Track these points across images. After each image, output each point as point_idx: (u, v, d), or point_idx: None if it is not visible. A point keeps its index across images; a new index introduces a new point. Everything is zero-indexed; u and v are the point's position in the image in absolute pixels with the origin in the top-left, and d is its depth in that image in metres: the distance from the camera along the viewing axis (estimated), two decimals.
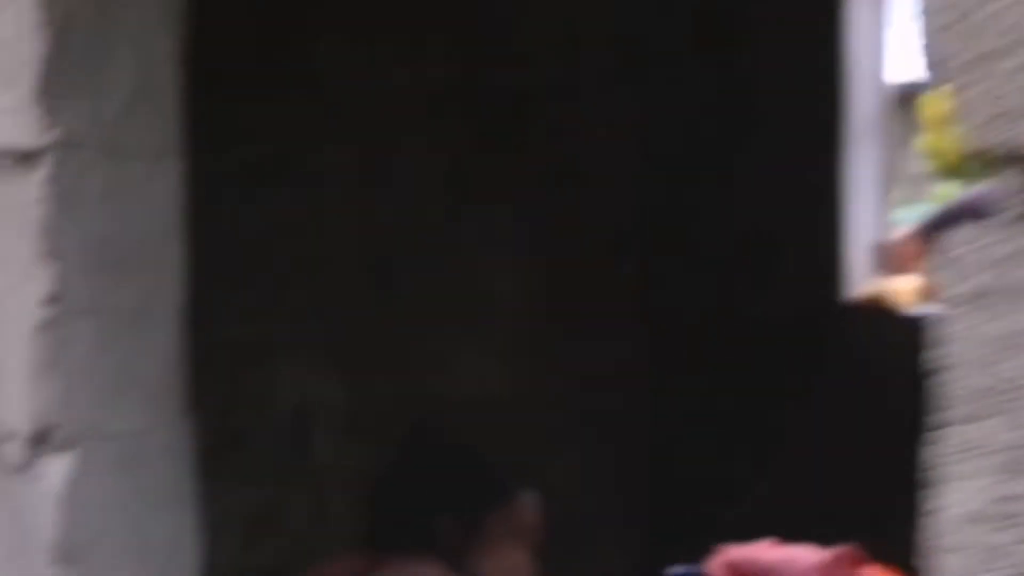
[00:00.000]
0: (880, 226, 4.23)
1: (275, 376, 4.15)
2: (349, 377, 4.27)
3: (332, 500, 4.26)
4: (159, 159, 1.50)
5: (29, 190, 1.50)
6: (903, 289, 4.14)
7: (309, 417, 4.22)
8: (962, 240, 1.18)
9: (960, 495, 1.11)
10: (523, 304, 4.59)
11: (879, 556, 3.23)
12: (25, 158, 1.51)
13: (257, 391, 4.13)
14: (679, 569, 3.24)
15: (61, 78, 1.48)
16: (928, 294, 4.31)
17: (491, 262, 4.54)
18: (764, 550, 3.23)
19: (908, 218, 5.68)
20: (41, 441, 1.52)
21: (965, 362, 1.16)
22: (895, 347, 4.11)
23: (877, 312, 4.13)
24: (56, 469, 1.51)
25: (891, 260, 4.29)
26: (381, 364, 4.33)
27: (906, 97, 5.71)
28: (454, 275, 4.46)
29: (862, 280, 4.21)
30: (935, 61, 1.17)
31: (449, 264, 4.45)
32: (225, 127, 3.91)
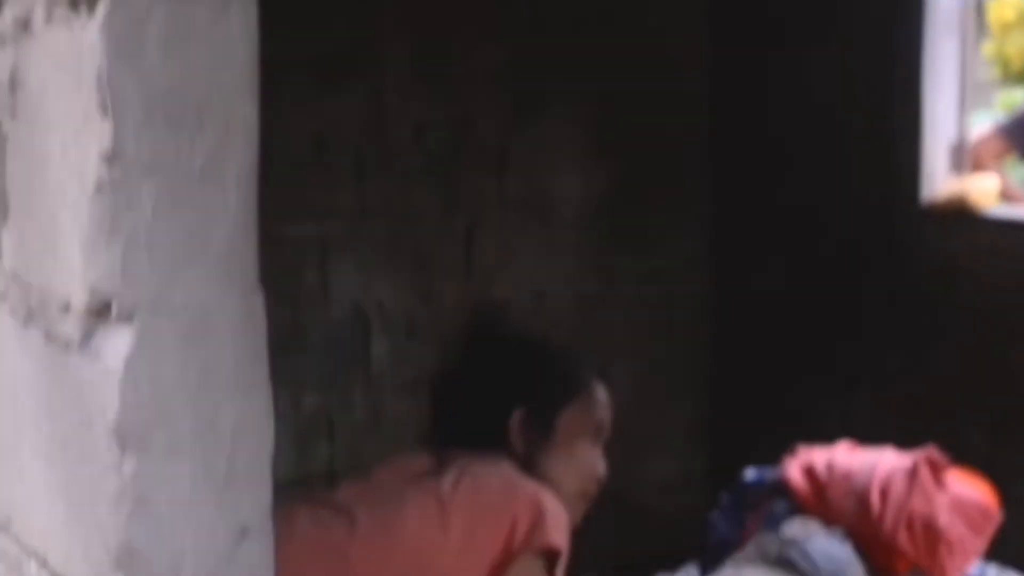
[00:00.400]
0: (959, 125, 4.04)
1: (333, 278, 4.02)
2: (408, 280, 4.14)
3: (389, 404, 4.14)
4: (229, 1, 1.35)
5: (85, 37, 1.35)
6: (982, 189, 3.95)
7: (367, 320, 4.09)
8: None
9: None
10: (585, 205, 4.43)
11: (958, 459, 3.08)
12: (80, 1, 1.35)
13: (314, 293, 3.99)
14: (754, 472, 3.09)
15: None
16: (1007, 195, 4.13)
17: (553, 163, 4.39)
18: (842, 453, 3.08)
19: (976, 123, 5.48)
20: (99, 314, 1.38)
21: None
22: (976, 248, 3.95)
23: (957, 213, 3.96)
24: (115, 345, 1.37)
25: (970, 160, 4.11)
26: (441, 267, 4.19)
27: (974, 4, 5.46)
28: (515, 177, 4.31)
29: (941, 180, 4.03)
30: None
31: (510, 166, 4.30)
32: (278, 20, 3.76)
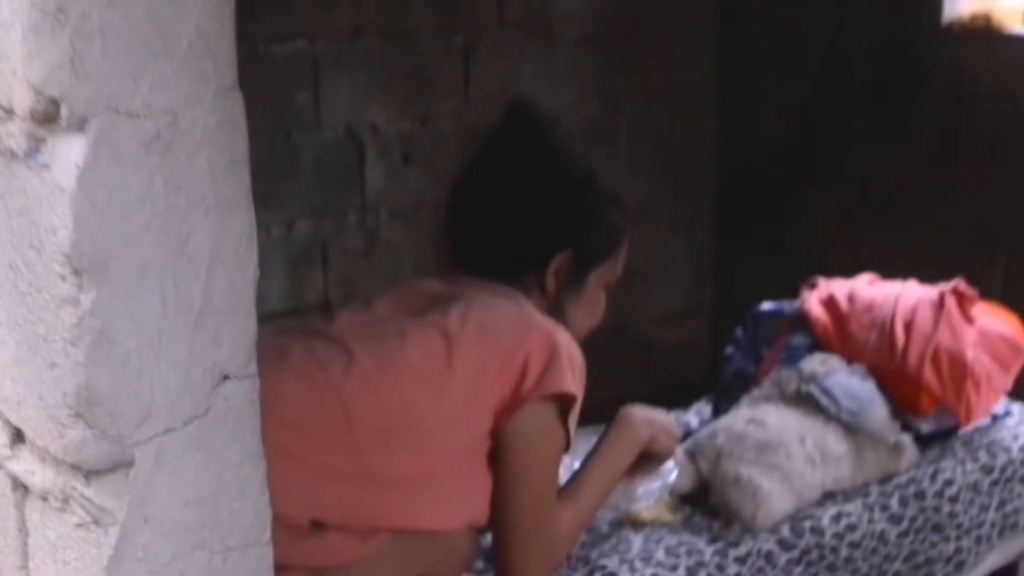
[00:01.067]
0: None
1: (325, 99, 3.75)
2: (404, 102, 3.87)
3: (385, 232, 3.91)
4: None
5: None
6: (1006, 7, 3.68)
7: (361, 144, 3.83)
8: None
9: None
10: (588, 25, 4.15)
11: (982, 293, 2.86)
12: None
13: (305, 115, 3.73)
14: (770, 305, 2.87)
15: None
16: None
17: None
18: (863, 285, 2.85)
19: None
20: (46, 119, 1.13)
21: None
22: (998, 66, 3.68)
23: (980, 31, 3.69)
24: (67, 156, 1.12)
25: None
26: (438, 89, 3.92)
27: None
28: None
29: None
30: None
31: None
32: None
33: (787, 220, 4.25)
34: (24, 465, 1.28)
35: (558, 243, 2.18)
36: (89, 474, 1.18)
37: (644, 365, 4.39)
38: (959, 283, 2.81)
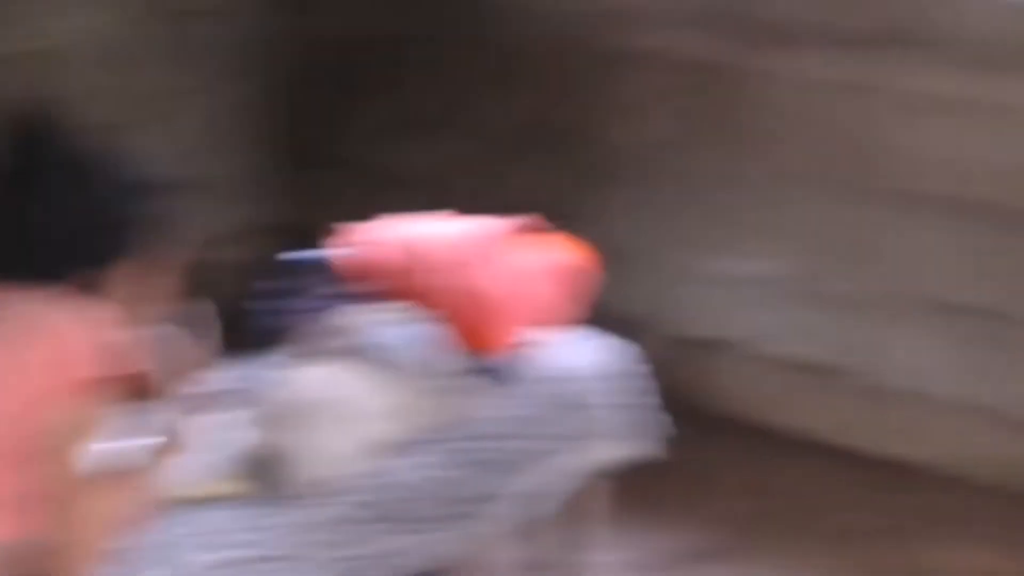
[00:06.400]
0: None
1: None
2: None
3: None
4: None
5: None
6: None
7: None
8: None
9: None
10: None
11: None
12: None
13: None
14: (295, 254, 2.61)
15: None
16: None
17: None
18: (400, 224, 2.62)
19: None
20: None
21: None
22: None
23: None
24: None
25: None
26: None
27: None
28: None
29: None
30: None
31: None
32: None
33: (340, 128, 4.05)
34: None
35: (104, 258, 1.97)
36: None
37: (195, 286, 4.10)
38: (531, 219, 2.63)
